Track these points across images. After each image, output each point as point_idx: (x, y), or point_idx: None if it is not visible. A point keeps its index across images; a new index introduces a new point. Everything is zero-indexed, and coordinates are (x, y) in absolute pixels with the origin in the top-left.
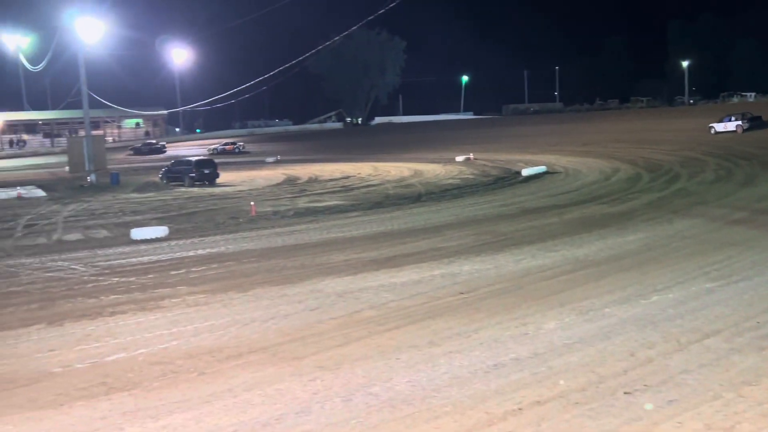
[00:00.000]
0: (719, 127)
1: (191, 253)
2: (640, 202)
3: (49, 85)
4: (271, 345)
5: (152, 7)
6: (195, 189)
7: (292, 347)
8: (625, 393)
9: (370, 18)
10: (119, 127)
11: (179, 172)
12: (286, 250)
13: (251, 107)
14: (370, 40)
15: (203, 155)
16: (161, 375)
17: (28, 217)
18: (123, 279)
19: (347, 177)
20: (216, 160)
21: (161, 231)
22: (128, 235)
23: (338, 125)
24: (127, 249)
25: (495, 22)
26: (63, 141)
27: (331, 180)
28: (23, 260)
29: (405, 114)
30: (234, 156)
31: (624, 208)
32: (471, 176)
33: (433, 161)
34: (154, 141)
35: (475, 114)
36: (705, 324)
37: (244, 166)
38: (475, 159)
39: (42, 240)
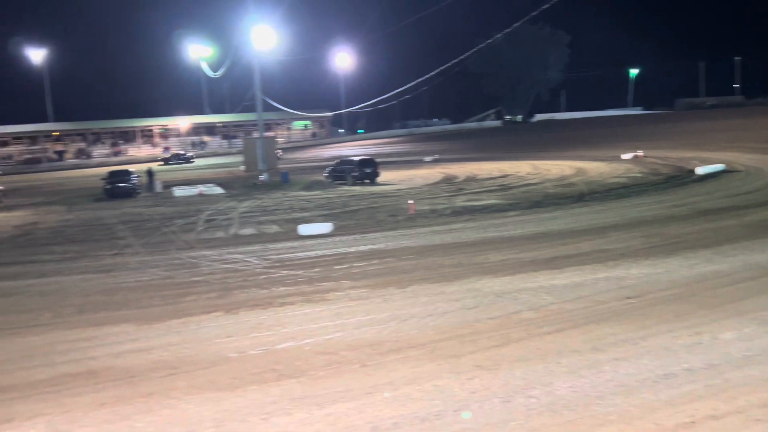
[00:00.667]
0: None
1: (353, 249)
2: None
3: (227, 90)
4: (429, 341)
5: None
6: (357, 187)
7: (450, 345)
8: None
9: (533, 14)
10: (289, 128)
11: (343, 171)
12: (443, 248)
13: (411, 107)
14: (532, 36)
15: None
16: (326, 365)
17: (208, 212)
18: (291, 272)
19: (505, 176)
20: (377, 160)
21: (326, 227)
22: (296, 230)
23: (497, 123)
24: (295, 244)
25: (666, 10)
26: (239, 142)
27: (489, 179)
28: (204, 252)
29: (568, 110)
30: (397, 156)
31: None
32: (639, 175)
33: (597, 159)
34: (183, 152)
35: (644, 109)
36: None
37: (404, 166)
38: (643, 157)
39: (220, 234)
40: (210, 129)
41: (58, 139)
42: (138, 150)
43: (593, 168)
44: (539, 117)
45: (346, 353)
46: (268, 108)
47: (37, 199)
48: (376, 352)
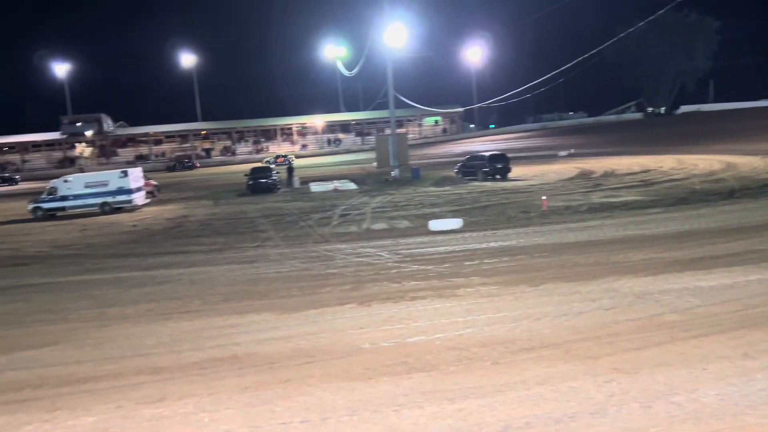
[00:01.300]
0: None
1: (484, 246)
2: None
3: (360, 88)
4: (563, 341)
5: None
6: (488, 183)
7: (586, 346)
8: None
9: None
10: (420, 125)
11: (473, 167)
12: (578, 246)
13: (545, 101)
14: (677, 23)
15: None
16: (457, 360)
17: (342, 207)
18: (422, 267)
19: (647, 171)
20: (508, 155)
21: (456, 223)
22: (426, 226)
23: (638, 116)
24: (425, 239)
25: None
26: (371, 139)
27: (629, 174)
28: (338, 246)
29: (717, 101)
30: (530, 151)
31: None
32: None
33: (749, 153)
34: (186, 159)
35: None
36: None
37: (536, 161)
38: None
39: (353, 228)
40: (344, 126)
41: (206, 137)
42: (278, 147)
43: (745, 163)
44: (684, 109)
45: (477, 350)
46: (399, 105)
47: (187, 193)
48: (507, 350)
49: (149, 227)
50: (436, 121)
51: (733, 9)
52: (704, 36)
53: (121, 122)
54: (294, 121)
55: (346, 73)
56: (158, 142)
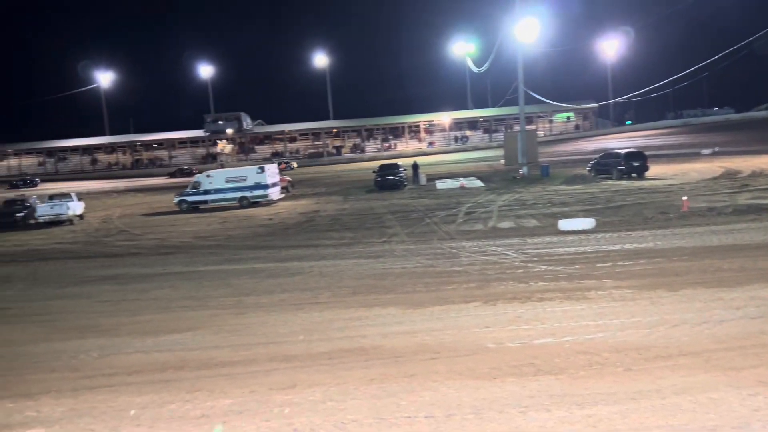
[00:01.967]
0: None
1: (617, 247)
2: None
3: (489, 84)
4: (703, 350)
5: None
6: (623, 182)
7: (729, 356)
8: None
9: None
10: (550, 121)
11: (607, 165)
12: (722, 250)
13: (688, 96)
14: None
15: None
16: (587, 365)
17: (468, 205)
18: (550, 267)
19: None
20: (646, 153)
21: (588, 223)
22: (556, 225)
23: None
24: (554, 239)
25: None
26: (499, 136)
27: None
28: (463, 243)
29: None
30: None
31: None
32: None
33: None
34: (185, 167)
35: None
36: None
37: (677, 159)
38: None
39: (479, 226)
40: (472, 123)
41: (336, 135)
42: (405, 145)
43: None
44: None
45: (609, 355)
46: (529, 100)
47: (319, 189)
48: (642, 356)
49: (283, 221)
50: (568, 117)
51: None
52: None
53: (258, 120)
54: (421, 119)
55: (475, 69)
56: (293, 140)
